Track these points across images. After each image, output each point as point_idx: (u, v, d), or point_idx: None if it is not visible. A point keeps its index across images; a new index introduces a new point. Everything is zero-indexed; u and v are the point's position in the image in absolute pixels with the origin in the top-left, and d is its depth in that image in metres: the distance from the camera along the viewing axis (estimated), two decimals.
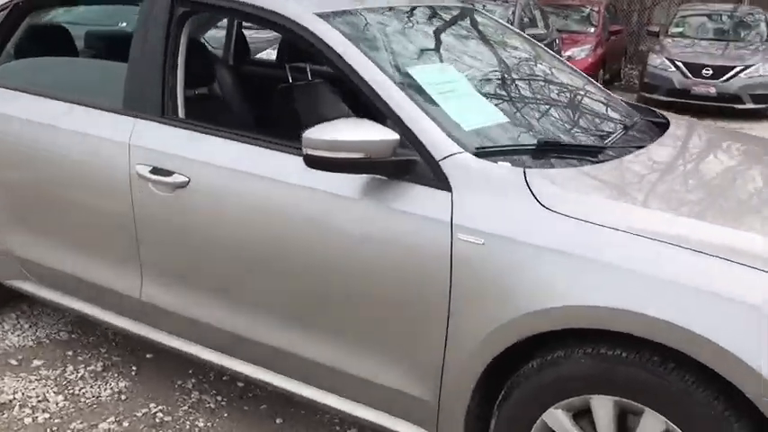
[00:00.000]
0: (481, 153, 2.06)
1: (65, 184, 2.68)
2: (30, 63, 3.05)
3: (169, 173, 2.40)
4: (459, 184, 1.99)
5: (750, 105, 9.90)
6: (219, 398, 2.82)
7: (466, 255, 1.93)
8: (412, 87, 2.20)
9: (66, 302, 2.89)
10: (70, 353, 3.11)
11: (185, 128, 2.46)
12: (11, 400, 2.75)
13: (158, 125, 2.50)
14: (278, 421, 2.70)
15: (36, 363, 3.02)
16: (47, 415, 2.67)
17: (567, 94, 2.76)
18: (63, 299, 2.89)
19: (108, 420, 2.65)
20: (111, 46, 3.15)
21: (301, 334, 2.28)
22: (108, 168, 2.55)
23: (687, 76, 10.09)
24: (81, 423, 2.64)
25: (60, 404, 2.74)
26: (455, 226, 1.95)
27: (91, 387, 2.85)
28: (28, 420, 2.64)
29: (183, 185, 2.37)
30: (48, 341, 3.20)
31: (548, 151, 2.19)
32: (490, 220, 1.92)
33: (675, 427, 1.74)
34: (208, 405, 2.77)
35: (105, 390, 2.84)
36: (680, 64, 10.24)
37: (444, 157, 2.02)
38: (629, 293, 1.73)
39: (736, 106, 9.93)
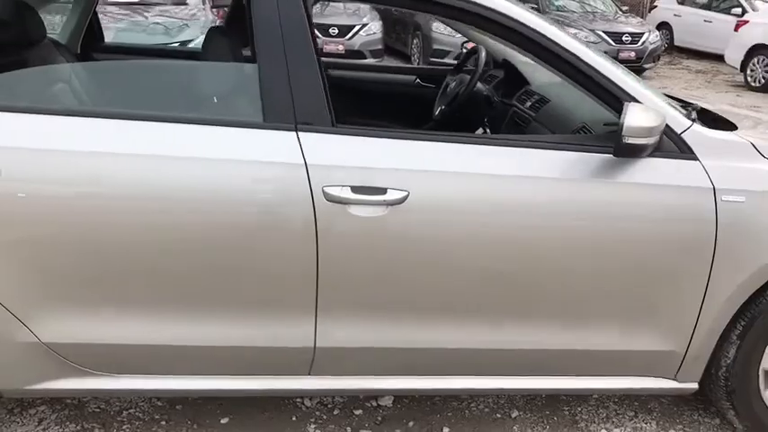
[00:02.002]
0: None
1: (196, 230, 2.02)
2: (38, 76, 2.11)
3: (382, 190, 2.05)
4: (702, 152, 2.21)
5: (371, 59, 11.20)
6: None
7: (730, 213, 2.19)
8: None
9: (165, 386, 2.20)
10: None
11: (385, 136, 2.11)
12: None
13: (342, 137, 2.08)
14: (445, 430, 2.56)
15: None
16: None
17: None
18: (156, 383, 2.20)
19: None
20: None
21: (554, 328, 2.25)
22: (275, 197, 2.04)
23: None
24: None
25: None
26: (717, 190, 2.18)
27: None
28: None
29: (399, 202, 2.06)
30: None
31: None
32: (743, 180, 2.21)
33: None
34: None
35: None
36: None
37: (684, 130, 2.22)
38: None
39: (359, 61, 11.07)
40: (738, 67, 11.52)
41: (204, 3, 7.40)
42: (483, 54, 3.14)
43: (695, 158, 2.21)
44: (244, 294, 2.12)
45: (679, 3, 15.96)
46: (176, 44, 6.08)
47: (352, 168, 2.06)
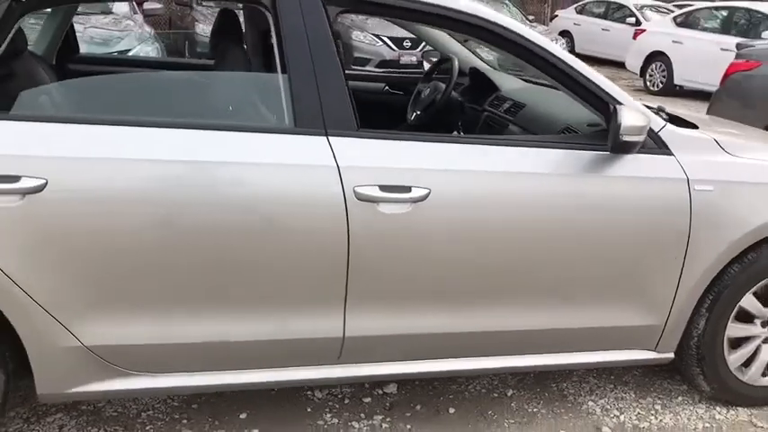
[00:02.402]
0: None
1: (234, 231, 2.14)
2: (72, 87, 2.17)
3: (407, 188, 2.24)
4: (676, 149, 2.52)
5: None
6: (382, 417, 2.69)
7: (702, 201, 2.50)
8: None
9: (200, 382, 2.30)
10: None
11: (407, 139, 2.31)
12: None
13: (365, 140, 2.26)
14: (451, 411, 2.76)
15: None
16: None
17: None
18: (190, 380, 2.30)
19: None
20: None
21: (553, 310, 2.49)
22: (310, 197, 2.18)
23: (393, 49, 11.00)
24: None
25: None
26: (691, 180, 2.49)
27: None
28: None
29: (422, 199, 2.26)
30: None
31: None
32: (710, 172, 2.53)
33: None
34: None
35: None
36: (385, 38, 11.05)
37: (660, 129, 2.52)
38: None
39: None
40: (638, 72, 12.35)
41: (134, 13, 7.35)
42: (456, 63, 3.38)
43: (671, 153, 2.51)
44: (279, 289, 2.25)
45: (578, 12, 16.89)
46: (115, 53, 6.06)
47: (379, 169, 2.24)
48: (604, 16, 16.33)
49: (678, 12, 12.72)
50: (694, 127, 2.75)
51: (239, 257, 2.18)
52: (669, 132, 2.54)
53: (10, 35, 2.14)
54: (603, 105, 2.44)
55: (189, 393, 2.67)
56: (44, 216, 2.01)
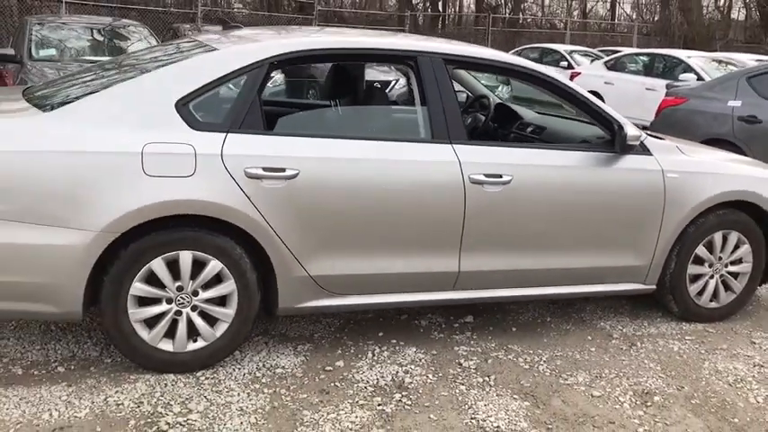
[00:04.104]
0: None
1: (398, 202, 3.49)
2: (304, 115, 3.49)
3: (500, 176, 3.64)
4: (654, 151, 4.02)
5: None
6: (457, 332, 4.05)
7: (671, 184, 4.00)
8: None
9: (370, 301, 3.62)
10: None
11: (497, 145, 3.73)
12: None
13: (473, 146, 3.66)
14: (513, 329, 4.13)
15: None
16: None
17: None
18: (365, 299, 3.61)
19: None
20: None
21: (583, 255, 3.92)
22: (443, 181, 3.55)
23: None
24: None
25: None
26: (664, 171, 4.00)
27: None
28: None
29: (508, 182, 3.66)
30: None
31: None
32: (676, 165, 4.04)
33: (746, 236, 4.25)
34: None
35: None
36: None
37: (644, 139, 4.02)
38: (745, 183, 4.15)
39: None
40: None
41: None
42: (492, 100, 4.84)
43: (651, 154, 4.01)
44: (422, 240, 3.60)
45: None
46: None
47: (483, 164, 3.63)
48: (539, 60, 18.33)
49: (608, 57, 14.72)
50: (661, 138, 4.27)
51: (402, 219, 3.52)
52: (649, 140, 4.04)
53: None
54: (609, 123, 3.93)
55: (366, 309, 3.95)
56: (296, 193, 3.32)
